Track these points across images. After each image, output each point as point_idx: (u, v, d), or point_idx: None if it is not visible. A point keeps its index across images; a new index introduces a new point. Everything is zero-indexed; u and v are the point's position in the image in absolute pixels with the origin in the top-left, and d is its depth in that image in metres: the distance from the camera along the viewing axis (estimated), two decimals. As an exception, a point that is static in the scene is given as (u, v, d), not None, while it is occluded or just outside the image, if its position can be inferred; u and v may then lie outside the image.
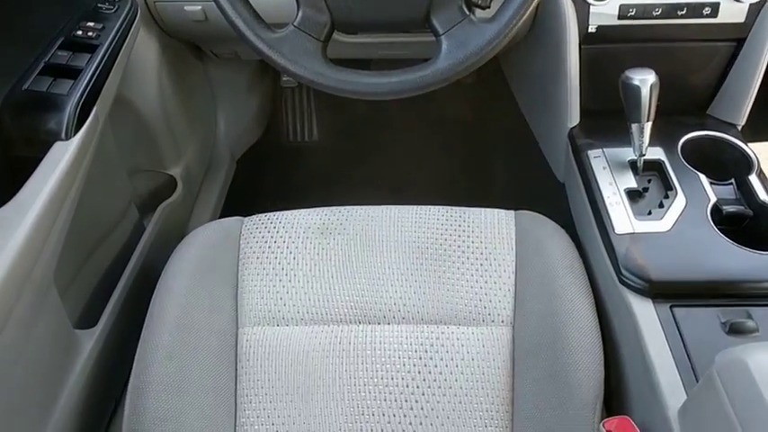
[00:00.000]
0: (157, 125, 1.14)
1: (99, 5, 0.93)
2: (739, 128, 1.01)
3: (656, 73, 0.84)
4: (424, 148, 1.75)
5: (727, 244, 0.80)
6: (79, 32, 0.88)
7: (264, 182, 1.70)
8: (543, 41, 1.05)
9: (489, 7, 0.82)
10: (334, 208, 0.93)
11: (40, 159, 0.74)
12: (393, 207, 0.93)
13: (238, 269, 0.87)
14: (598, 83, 0.98)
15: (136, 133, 1.13)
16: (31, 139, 0.76)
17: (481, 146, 1.72)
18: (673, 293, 0.77)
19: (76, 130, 0.77)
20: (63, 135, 0.76)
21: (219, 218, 1.00)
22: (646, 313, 0.76)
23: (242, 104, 1.59)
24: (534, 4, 0.75)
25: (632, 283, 0.78)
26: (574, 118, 1.02)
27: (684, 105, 1.03)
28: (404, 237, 0.89)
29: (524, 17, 0.75)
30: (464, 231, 0.89)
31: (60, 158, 0.74)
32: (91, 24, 0.89)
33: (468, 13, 0.78)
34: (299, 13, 0.78)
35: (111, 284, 0.97)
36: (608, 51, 0.98)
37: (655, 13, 0.93)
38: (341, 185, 1.64)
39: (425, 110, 1.72)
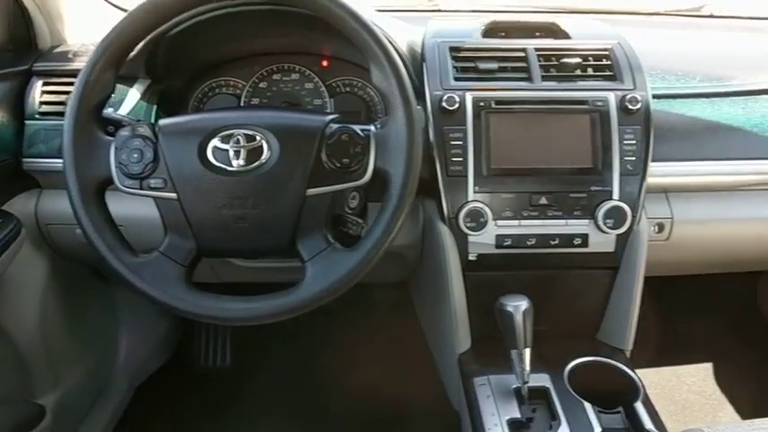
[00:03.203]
0: (31, 350, 1.07)
1: None
2: (627, 353, 1.01)
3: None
4: (338, 379, 1.68)
5: None
6: None
7: (165, 411, 1.57)
8: (430, 270, 1.08)
9: (362, 236, 0.84)
10: None
11: None
12: None
13: None
14: (486, 309, 0.98)
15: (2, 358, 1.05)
16: None
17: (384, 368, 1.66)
18: None
19: None
20: None
21: None
22: None
23: (148, 328, 1.53)
24: (393, 235, 0.77)
25: None
26: (463, 344, 1.00)
27: (574, 330, 1.04)
28: None
29: (384, 247, 0.76)
30: None
31: None
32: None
33: (332, 241, 0.79)
34: (166, 240, 0.79)
35: None
36: (492, 278, 1.00)
37: (529, 243, 0.96)
38: (251, 413, 1.54)
39: (340, 339, 1.70)
